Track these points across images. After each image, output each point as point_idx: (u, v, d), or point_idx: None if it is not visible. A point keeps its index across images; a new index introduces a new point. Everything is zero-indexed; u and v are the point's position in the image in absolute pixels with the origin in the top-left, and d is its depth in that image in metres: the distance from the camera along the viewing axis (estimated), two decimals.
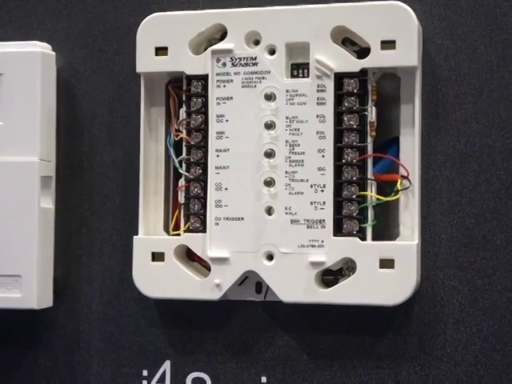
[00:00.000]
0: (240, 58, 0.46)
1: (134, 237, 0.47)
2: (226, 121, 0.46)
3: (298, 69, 0.46)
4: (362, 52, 0.45)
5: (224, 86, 0.46)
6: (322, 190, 0.45)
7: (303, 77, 0.46)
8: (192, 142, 0.47)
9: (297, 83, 0.45)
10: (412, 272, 0.44)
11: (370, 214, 0.45)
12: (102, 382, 0.49)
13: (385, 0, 0.45)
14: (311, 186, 0.45)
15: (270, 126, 0.45)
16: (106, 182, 0.50)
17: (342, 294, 0.44)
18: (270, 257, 0.45)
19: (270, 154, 0.45)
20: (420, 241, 0.45)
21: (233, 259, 0.46)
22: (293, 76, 0.46)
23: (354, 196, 0.45)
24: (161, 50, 0.47)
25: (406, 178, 0.45)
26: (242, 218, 0.46)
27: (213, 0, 0.48)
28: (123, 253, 0.49)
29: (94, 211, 0.50)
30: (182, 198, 0.47)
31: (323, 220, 0.45)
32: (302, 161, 0.45)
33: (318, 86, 0.45)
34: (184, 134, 0.47)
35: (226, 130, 0.46)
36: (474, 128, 0.45)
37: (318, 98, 0.45)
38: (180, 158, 0.47)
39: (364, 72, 0.45)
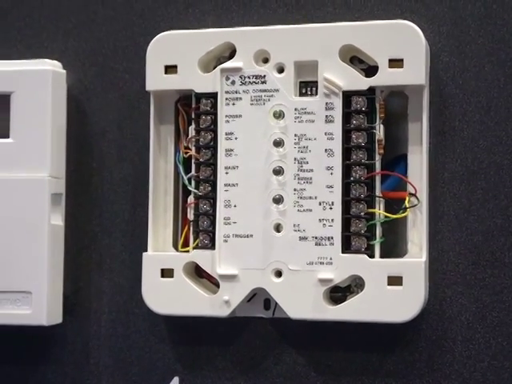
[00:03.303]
0: (249, 76, 0.46)
1: (144, 253, 0.48)
2: (235, 138, 0.46)
3: (307, 87, 0.46)
4: (370, 70, 0.46)
5: (233, 104, 0.46)
6: (331, 208, 0.45)
7: (311, 95, 0.46)
8: (201, 160, 0.47)
9: (305, 101, 0.46)
10: (420, 289, 0.44)
11: (378, 231, 0.45)
12: None
13: (392, 19, 0.45)
14: (320, 204, 0.45)
15: (278, 143, 0.46)
16: (115, 199, 0.50)
17: (350, 310, 0.44)
18: (279, 274, 0.46)
19: (278, 172, 0.46)
20: (428, 258, 0.45)
21: (241, 276, 0.46)
22: (301, 94, 0.46)
23: (362, 213, 0.45)
24: (170, 69, 0.47)
25: (414, 195, 0.45)
26: (251, 235, 0.46)
27: (222, 19, 0.49)
28: (132, 269, 0.49)
29: (103, 228, 0.50)
30: (191, 215, 0.47)
31: (331, 237, 0.45)
32: (311, 178, 0.45)
33: (326, 104, 0.45)
34: (193, 152, 0.47)
35: (235, 148, 0.46)
36: (481, 145, 0.45)
37: (326, 116, 0.45)
38: (189, 175, 0.47)
39: (372, 90, 0.45)
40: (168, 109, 0.48)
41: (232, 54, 0.47)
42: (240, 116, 0.46)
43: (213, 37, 0.47)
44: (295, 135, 0.46)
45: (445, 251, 0.45)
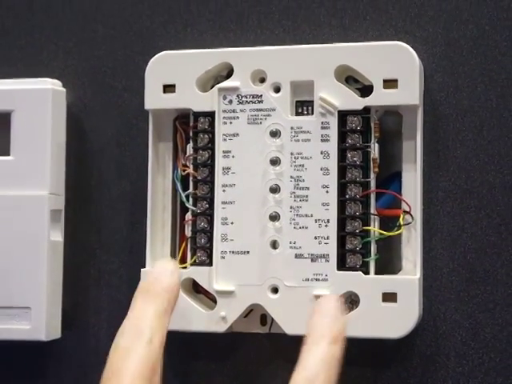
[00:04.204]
0: (246, 96, 0.47)
1: (142, 269, 0.48)
2: (232, 157, 0.47)
3: (303, 106, 0.47)
4: (365, 89, 0.46)
5: (230, 123, 0.47)
6: (326, 225, 0.46)
7: (308, 114, 0.46)
8: (199, 177, 0.48)
9: (301, 120, 0.46)
10: (414, 306, 0.44)
11: (373, 248, 0.46)
12: None
13: (387, 40, 0.46)
14: (315, 221, 0.46)
15: (275, 162, 0.46)
16: (114, 215, 0.50)
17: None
18: (275, 290, 0.46)
19: (275, 190, 0.46)
20: (422, 275, 0.46)
21: (238, 292, 0.46)
22: (297, 113, 0.47)
23: (357, 231, 0.45)
24: (169, 88, 0.48)
25: (408, 213, 0.45)
26: (248, 252, 0.46)
27: (219, 39, 0.49)
28: (130, 285, 0.49)
29: (102, 244, 0.50)
30: (188, 232, 0.48)
31: (327, 254, 0.46)
32: (307, 196, 0.46)
33: (322, 123, 0.46)
34: (191, 169, 0.48)
35: (232, 166, 0.47)
36: (474, 164, 0.46)
37: (322, 135, 0.46)
38: (187, 192, 0.48)
39: (367, 110, 0.46)
40: (166, 127, 0.49)
41: (229, 73, 0.47)
42: (237, 135, 0.47)
43: (210, 57, 0.47)
44: (291, 154, 0.46)
45: (439, 268, 0.46)
